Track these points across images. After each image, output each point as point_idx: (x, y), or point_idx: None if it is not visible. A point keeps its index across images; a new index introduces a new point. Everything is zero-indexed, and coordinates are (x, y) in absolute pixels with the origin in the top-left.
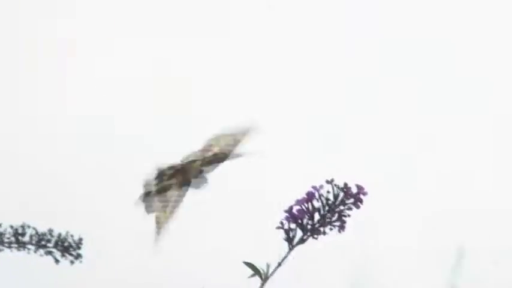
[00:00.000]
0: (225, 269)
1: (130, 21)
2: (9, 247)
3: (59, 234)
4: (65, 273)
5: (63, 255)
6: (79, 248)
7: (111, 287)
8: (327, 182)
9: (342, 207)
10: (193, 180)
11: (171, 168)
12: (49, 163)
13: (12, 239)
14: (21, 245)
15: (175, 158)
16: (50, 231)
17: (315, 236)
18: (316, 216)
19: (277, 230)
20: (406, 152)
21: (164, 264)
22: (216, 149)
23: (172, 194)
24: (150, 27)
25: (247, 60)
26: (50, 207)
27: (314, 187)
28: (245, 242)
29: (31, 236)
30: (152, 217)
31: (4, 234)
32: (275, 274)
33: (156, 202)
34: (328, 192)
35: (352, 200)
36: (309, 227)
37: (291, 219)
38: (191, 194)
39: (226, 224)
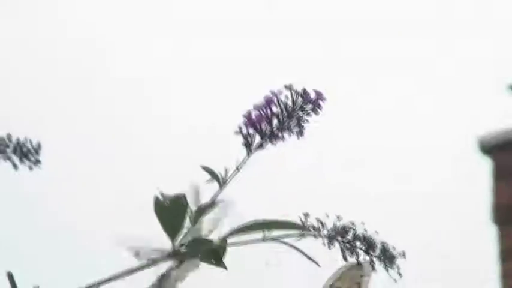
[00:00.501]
0: (183, 176)
1: None
2: None
3: (18, 140)
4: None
5: (21, 161)
6: (38, 153)
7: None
8: (286, 87)
9: (300, 113)
10: None
11: None
12: None
13: None
14: None
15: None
16: (9, 136)
17: (273, 141)
18: (275, 122)
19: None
20: None
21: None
22: None
23: None
24: None
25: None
26: (8, 112)
27: (272, 92)
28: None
29: None
30: None
31: None
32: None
33: None
34: (286, 97)
35: (310, 106)
36: (267, 132)
37: (249, 125)
38: None
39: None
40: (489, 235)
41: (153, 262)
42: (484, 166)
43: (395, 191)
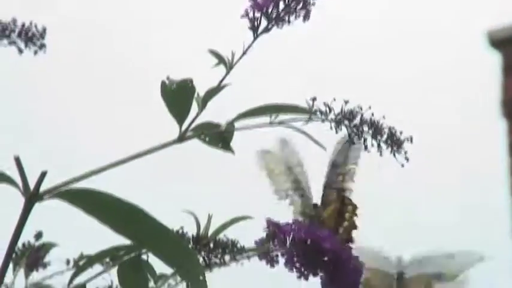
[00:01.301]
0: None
1: None
2: None
3: (23, 24)
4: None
5: (26, 45)
6: (43, 38)
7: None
8: None
9: None
10: None
11: None
12: None
13: None
14: None
15: None
16: (14, 21)
17: (280, 24)
18: (281, 5)
19: (243, 20)
20: None
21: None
22: None
23: None
24: None
25: None
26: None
27: None
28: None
29: None
30: None
31: None
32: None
33: None
34: None
35: None
36: (273, 15)
37: (256, 8)
38: None
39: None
40: (497, 130)
41: (159, 147)
42: (493, 60)
43: (404, 79)
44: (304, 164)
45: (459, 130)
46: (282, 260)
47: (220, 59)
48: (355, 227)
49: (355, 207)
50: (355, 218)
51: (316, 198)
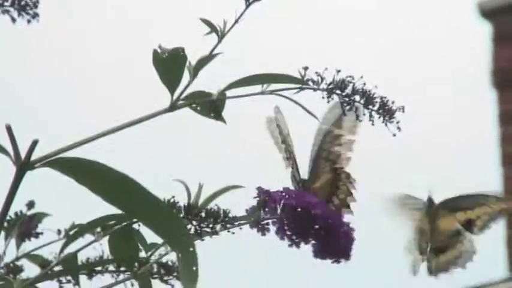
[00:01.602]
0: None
1: None
2: None
3: None
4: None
5: (20, 14)
6: (36, 7)
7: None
8: None
9: None
10: None
11: None
12: None
13: None
14: None
15: None
16: None
17: None
18: None
19: None
20: None
21: None
22: None
23: None
24: None
25: None
26: None
27: None
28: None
29: None
30: None
31: None
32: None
33: None
34: None
35: None
36: None
37: None
38: None
39: None
40: (488, 100)
41: (151, 116)
42: (484, 30)
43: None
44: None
45: (450, 100)
46: (273, 228)
47: (212, 28)
48: (350, 193)
49: (348, 175)
50: (349, 185)
51: (303, 169)
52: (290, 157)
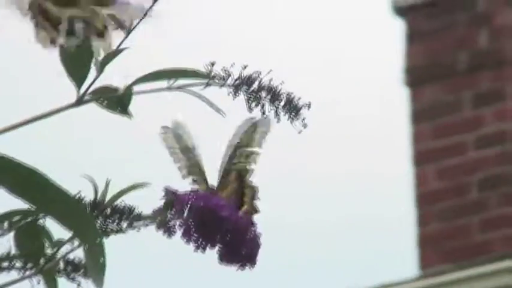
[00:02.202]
0: None
1: None
2: None
3: None
4: None
5: None
6: None
7: None
8: None
9: None
10: None
11: None
12: None
13: None
14: None
15: None
16: None
17: None
18: None
19: None
20: None
21: None
22: None
23: None
24: None
25: None
26: None
27: None
28: None
29: None
30: None
31: None
32: None
33: None
34: None
35: None
36: None
37: None
38: None
39: None
40: (401, 98)
41: (56, 111)
42: (397, 28)
43: (303, 48)
44: (198, 147)
45: (364, 99)
46: (179, 231)
47: (120, 24)
48: (255, 210)
49: (255, 189)
50: (255, 201)
51: (212, 181)
52: (194, 171)
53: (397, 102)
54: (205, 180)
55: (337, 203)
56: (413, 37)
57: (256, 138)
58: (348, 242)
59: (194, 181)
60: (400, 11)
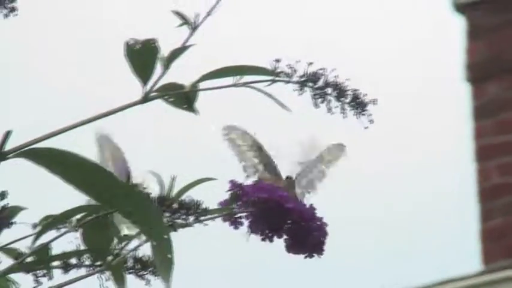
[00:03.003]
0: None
1: None
2: None
3: None
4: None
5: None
6: (13, 1)
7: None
8: None
9: None
10: None
11: None
12: None
13: None
14: None
15: None
16: None
17: None
18: None
19: None
20: None
21: None
22: None
23: None
24: None
25: None
26: None
27: None
28: None
29: None
30: None
31: None
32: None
33: None
34: None
35: None
36: None
37: None
38: None
39: None
40: (462, 94)
41: (123, 108)
42: (458, 24)
43: (369, 47)
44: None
45: (424, 95)
46: (246, 222)
47: (184, 20)
48: None
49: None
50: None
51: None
52: (268, 163)
53: (458, 98)
54: (278, 175)
55: (398, 197)
56: (474, 34)
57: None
58: (412, 238)
59: (271, 171)
60: (461, 7)
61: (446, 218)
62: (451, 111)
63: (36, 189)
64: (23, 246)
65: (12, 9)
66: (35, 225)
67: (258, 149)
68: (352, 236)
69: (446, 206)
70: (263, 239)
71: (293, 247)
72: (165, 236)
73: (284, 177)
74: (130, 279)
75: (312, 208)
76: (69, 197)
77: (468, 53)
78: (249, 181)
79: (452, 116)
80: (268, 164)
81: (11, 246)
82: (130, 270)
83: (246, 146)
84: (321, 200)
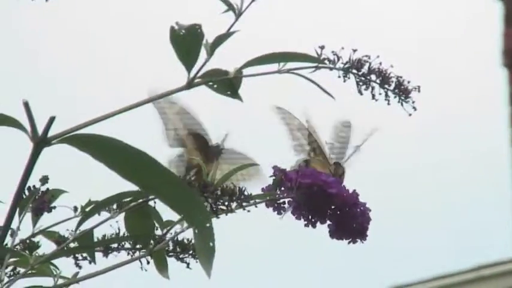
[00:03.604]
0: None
1: None
2: None
3: None
4: None
5: None
6: None
7: None
8: None
9: None
10: None
11: None
12: None
13: None
14: None
15: None
16: None
17: None
18: None
19: None
20: None
21: None
22: None
23: None
24: None
25: None
26: None
27: None
28: None
29: None
30: None
31: None
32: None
33: None
34: None
35: None
36: None
37: None
38: None
39: None
40: (499, 79)
41: (168, 93)
42: (496, 10)
43: (408, 37)
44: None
45: (462, 79)
46: (289, 208)
47: (229, 6)
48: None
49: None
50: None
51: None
52: (314, 148)
53: (495, 84)
54: (324, 156)
55: (439, 188)
56: (510, 19)
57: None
58: (449, 225)
59: (307, 161)
60: None
61: (485, 206)
62: (487, 97)
63: (78, 174)
64: (63, 230)
65: None
66: (75, 209)
67: (306, 132)
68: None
69: (485, 193)
70: (306, 225)
71: (337, 233)
72: (207, 224)
73: (332, 162)
74: (171, 262)
75: (355, 193)
76: (111, 182)
77: (505, 39)
78: (299, 159)
79: (488, 102)
80: (317, 147)
81: (52, 229)
82: (171, 253)
83: (296, 127)
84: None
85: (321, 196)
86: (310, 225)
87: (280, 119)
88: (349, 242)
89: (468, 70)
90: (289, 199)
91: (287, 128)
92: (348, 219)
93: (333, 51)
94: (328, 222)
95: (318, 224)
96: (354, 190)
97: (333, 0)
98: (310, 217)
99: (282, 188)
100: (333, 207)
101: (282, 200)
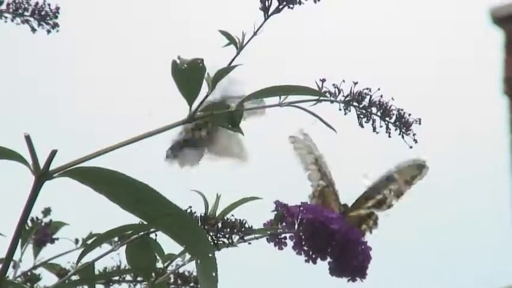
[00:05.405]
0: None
1: None
2: None
3: (36, 3)
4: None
5: (40, 24)
6: (56, 17)
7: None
8: None
9: None
10: None
11: None
12: None
13: None
14: None
15: None
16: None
17: (291, 5)
18: None
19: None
20: None
21: None
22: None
23: None
24: None
25: None
26: None
27: None
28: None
29: (8, 4)
30: None
31: None
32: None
33: None
34: None
35: None
36: None
37: None
38: None
39: None
40: (499, 107)
41: (169, 127)
42: (496, 38)
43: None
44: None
45: (461, 106)
46: (290, 243)
47: (231, 39)
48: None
49: (376, 221)
50: (373, 229)
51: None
52: (324, 179)
53: (496, 112)
54: (336, 191)
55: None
56: (511, 47)
57: (413, 180)
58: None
59: (314, 196)
60: (498, 20)
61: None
62: (489, 125)
63: (80, 207)
64: (64, 262)
65: (55, 25)
66: (76, 241)
67: (317, 160)
68: None
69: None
70: (307, 261)
71: (336, 270)
72: (210, 255)
73: (342, 203)
74: None
75: (356, 231)
76: (112, 215)
77: (505, 67)
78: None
79: (491, 131)
80: (330, 185)
81: (53, 261)
82: (172, 286)
83: (309, 158)
84: None
85: (323, 232)
86: (310, 261)
87: (294, 149)
88: (348, 280)
89: (469, 97)
90: (291, 234)
91: (300, 159)
92: (349, 257)
93: (333, 84)
94: (329, 259)
95: (319, 260)
96: (355, 228)
97: (334, 32)
98: (311, 253)
99: (284, 223)
100: (333, 243)
101: (283, 235)
